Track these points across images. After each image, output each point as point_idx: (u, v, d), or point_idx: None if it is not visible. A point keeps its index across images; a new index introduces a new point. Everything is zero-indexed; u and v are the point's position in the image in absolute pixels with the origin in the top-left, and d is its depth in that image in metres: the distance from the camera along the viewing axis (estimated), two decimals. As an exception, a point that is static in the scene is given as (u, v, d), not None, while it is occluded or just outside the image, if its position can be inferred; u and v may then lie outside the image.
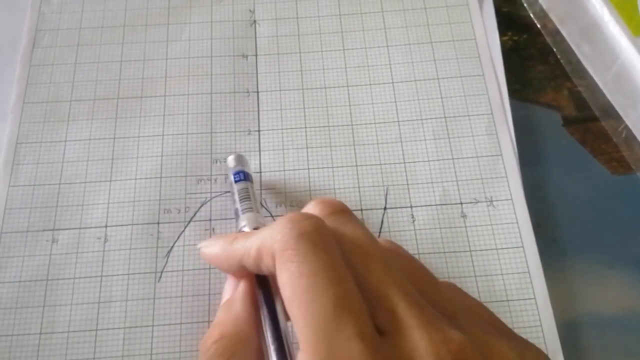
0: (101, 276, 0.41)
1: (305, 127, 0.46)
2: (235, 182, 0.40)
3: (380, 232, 0.42)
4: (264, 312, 0.29)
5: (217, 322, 0.31)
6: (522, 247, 0.41)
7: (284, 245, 0.26)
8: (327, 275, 0.24)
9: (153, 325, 0.39)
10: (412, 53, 0.49)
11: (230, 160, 0.41)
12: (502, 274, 0.41)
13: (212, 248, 0.33)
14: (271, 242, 0.26)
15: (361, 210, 0.43)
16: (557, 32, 0.51)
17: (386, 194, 0.43)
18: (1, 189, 0.43)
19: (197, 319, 0.39)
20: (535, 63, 0.50)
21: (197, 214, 0.43)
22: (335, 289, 0.24)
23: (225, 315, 0.30)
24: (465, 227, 0.42)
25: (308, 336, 0.23)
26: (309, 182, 0.44)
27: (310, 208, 0.30)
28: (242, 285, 0.31)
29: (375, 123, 0.46)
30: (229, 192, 0.43)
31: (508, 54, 0.50)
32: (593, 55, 0.50)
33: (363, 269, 0.26)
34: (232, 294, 0.32)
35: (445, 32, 0.50)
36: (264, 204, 0.43)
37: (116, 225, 0.42)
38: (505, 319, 0.38)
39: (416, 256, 0.41)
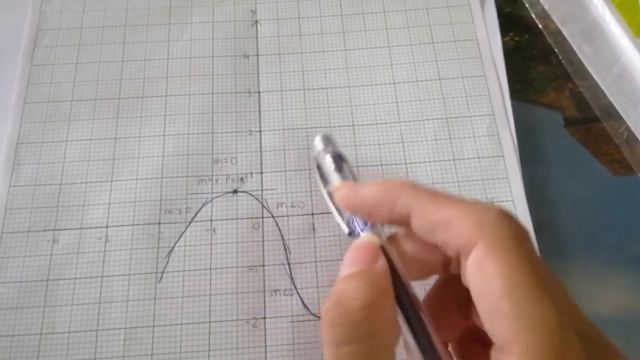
0: (102, 276, 0.41)
1: (307, 128, 0.46)
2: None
3: (381, 233, 0.42)
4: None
5: (358, 288, 0.26)
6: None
7: (507, 232, 0.25)
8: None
9: (154, 326, 0.39)
10: (413, 53, 0.49)
11: (318, 142, 0.38)
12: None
13: (371, 190, 0.29)
14: (491, 227, 0.25)
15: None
16: (558, 33, 0.51)
17: (387, 195, 0.43)
18: (2, 189, 0.43)
19: (197, 319, 0.39)
20: (537, 63, 0.50)
21: (199, 215, 0.43)
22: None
23: (370, 286, 0.26)
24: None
25: (529, 342, 0.22)
26: (310, 182, 0.44)
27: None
28: (383, 264, 0.27)
29: (376, 124, 0.46)
30: (229, 192, 0.43)
31: (510, 54, 0.50)
32: (594, 56, 0.50)
33: None
34: (368, 266, 0.27)
35: (446, 32, 0.50)
36: (264, 204, 0.43)
37: (117, 226, 0.42)
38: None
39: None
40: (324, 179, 0.37)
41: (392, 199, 0.28)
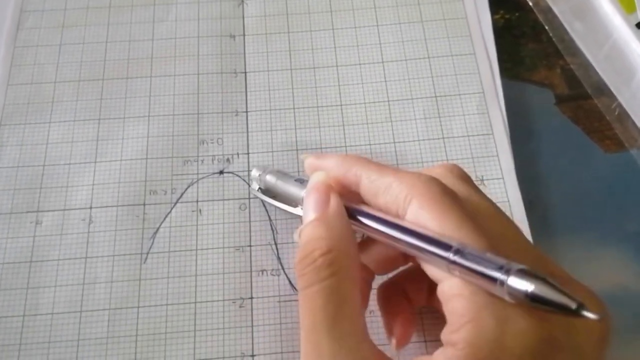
0: (86, 258, 0.40)
1: (294, 108, 0.45)
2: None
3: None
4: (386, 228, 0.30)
5: (318, 236, 0.30)
6: (513, 225, 0.41)
7: (436, 190, 0.29)
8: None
9: (138, 307, 0.39)
10: (402, 32, 0.48)
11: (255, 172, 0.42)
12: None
13: (331, 160, 0.34)
14: (422, 187, 0.29)
15: (350, 190, 0.42)
16: (549, 10, 0.51)
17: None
18: (-15, 171, 0.43)
19: (183, 300, 0.39)
20: (528, 41, 0.50)
21: (184, 195, 0.42)
22: None
23: (328, 230, 0.30)
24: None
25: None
26: (297, 163, 0.43)
27: (434, 171, 0.32)
28: (336, 203, 0.31)
29: (365, 103, 0.46)
30: (215, 173, 0.43)
31: (500, 32, 0.49)
32: (586, 33, 0.49)
33: None
34: (323, 211, 0.31)
35: (436, 10, 0.49)
36: (251, 184, 0.42)
37: (101, 207, 0.42)
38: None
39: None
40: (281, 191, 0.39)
41: (347, 167, 0.32)
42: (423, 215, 0.28)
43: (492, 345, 0.25)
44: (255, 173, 0.41)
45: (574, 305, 0.23)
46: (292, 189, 0.37)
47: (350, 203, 0.32)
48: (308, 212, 0.32)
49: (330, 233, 0.30)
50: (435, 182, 0.30)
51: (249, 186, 0.43)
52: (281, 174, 0.39)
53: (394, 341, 0.34)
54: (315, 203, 0.32)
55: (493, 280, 0.25)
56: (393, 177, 0.30)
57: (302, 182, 0.37)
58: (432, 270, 0.28)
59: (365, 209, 0.31)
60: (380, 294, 0.36)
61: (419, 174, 0.30)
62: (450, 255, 0.26)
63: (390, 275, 0.36)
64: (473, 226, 0.27)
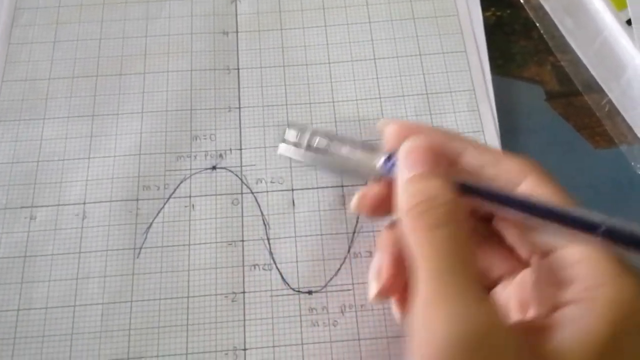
0: (79, 252, 0.41)
1: (287, 104, 0.46)
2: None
3: (361, 207, 0.42)
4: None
5: (438, 184, 0.29)
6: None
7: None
8: None
9: (132, 301, 0.39)
10: (394, 29, 0.49)
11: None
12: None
13: (424, 129, 0.33)
14: (536, 166, 0.31)
15: (342, 186, 0.43)
16: (540, 7, 0.51)
17: (367, 170, 0.43)
18: (-20, 167, 0.43)
19: (176, 294, 0.39)
20: (518, 38, 0.50)
21: (177, 191, 0.42)
22: None
23: (446, 184, 0.29)
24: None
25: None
26: (290, 158, 0.43)
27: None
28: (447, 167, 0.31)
29: (357, 100, 0.46)
30: (208, 168, 0.43)
31: (491, 29, 0.50)
32: (576, 30, 0.49)
33: None
34: (432, 167, 0.30)
35: (427, 8, 0.50)
36: (243, 180, 0.43)
37: (95, 202, 0.42)
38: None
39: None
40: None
41: (446, 139, 0.32)
42: (542, 190, 0.29)
43: (632, 304, 0.26)
44: (292, 134, 0.37)
45: None
46: (361, 154, 0.35)
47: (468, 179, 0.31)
48: (412, 167, 0.30)
49: (447, 186, 0.29)
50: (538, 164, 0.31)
51: (241, 174, 0.43)
52: (333, 136, 0.36)
53: (376, 288, 0.32)
54: (423, 159, 0.30)
55: None
56: (501, 153, 0.32)
57: (371, 147, 0.35)
58: (543, 239, 0.29)
59: (482, 182, 0.30)
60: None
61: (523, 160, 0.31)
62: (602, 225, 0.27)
63: None
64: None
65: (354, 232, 0.41)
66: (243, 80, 0.47)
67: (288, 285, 0.40)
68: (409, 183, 0.30)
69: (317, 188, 0.42)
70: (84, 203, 0.42)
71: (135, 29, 0.49)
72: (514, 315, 0.30)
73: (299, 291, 0.40)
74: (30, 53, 0.48)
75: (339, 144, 0.35)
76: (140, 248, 0.41)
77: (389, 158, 0.33)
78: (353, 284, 0.40)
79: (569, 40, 0.49)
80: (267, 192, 0.42)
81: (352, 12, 0.50)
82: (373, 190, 0.33)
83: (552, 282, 0.28)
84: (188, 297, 0.39)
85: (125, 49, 0.48)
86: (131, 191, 0.42)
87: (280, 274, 0.40)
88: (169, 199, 0.42)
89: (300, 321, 0.39)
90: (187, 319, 0.39)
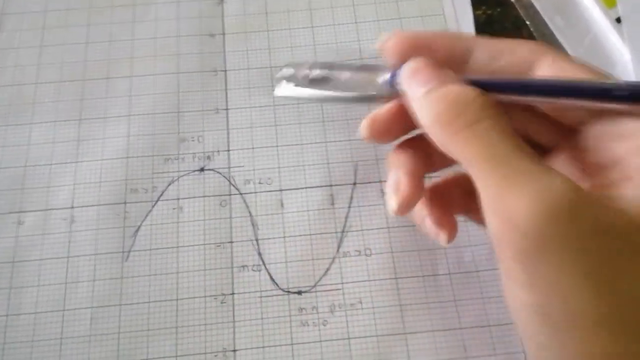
0: (68, 257, 0.40)
1: (274, 105, 0.46)
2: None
3: (349, 207, 0.42)
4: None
5: (457, 88, 0.28)
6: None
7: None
8: None
9: (121, 305, 0.39)
10: (380, 29, 0.49)
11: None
12: (470, 246, 0.40)
13: (428, 34, 0.33)
14: (548, 48, 0.30)
15: (331, 186, 0.43)
16: (530, 6, 0.51)
17: (355, 170, 0.43)
18: (-32, 173, 0.43)
19: (165, 297, 0.39)
20: (509, 36, 0.49)
21: (165, 193, 0.42)
22: None
23: (468, 91, 0.28)
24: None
25: None
26: (278, 159, 0.44)
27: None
28: (455, 77, 0.29)
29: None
30: (196, 170, 0.43)
31: (482, 27, 0.50)
32: (566, 28, 0.50)
33: None
34: (445, 81, 0.29)
35: (414, 7, 0.50)
36: (232, 181, 0.43)
37: (83, 206, 0.42)
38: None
39: (385, 231, 0.41)
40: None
41: (453, 40, 0.31)
42: (562, 67, 0.28)
43: None
44: (289, 70, 0.36)
45: None
46: (364, 75, 0.33)
47: (483, 76, 0.30)
48: (420, 86, 0.29)
49: (475, 94, 0.28)
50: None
51: (229, 175, 0.43)
52: (329, 64, 0.35)
53: (444, 236, 0.33)
54: (429, 76, 0.29)
55: None
56: (511, 42, 0.30)
57: (372, 68, 0.33)
58: (578, 115, 0.29)
59: (501, 75, 0.30)
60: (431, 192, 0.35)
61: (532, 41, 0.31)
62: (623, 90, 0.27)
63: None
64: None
65: (342, 232, 0.41)
66: (230, 82, 0.47)
67: (277, 285, 0.40)
68: (426, 96, 0.29)
69: (306, 188, 0.42)
70: (72, 207, 0.42)
71: (122, 33, 0.49)
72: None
73: (288, 291, 0.40)
74: (16, 58, 0.48)
75: (339, 71, 0.34)
76: (129, 251, 0.41)
77: (394, 75, 0.31)
78: (342, 283, 0.40)
79: (558, 38, 0.49)
80: (256, 192, 0.42)
81: (338, 12, 0.50)
82: (381, 112, 0.32)
83: (608, 139, 0.28)
84: (177, 299, 0.39)
85: (112, 53, 0.48)
86: (119, 194, 0.42)
87: (270, 274, 0.40)
88: (157, 201, 0.42)
89: (290, 321, 0.39)
90: (177, 321, 0.39)
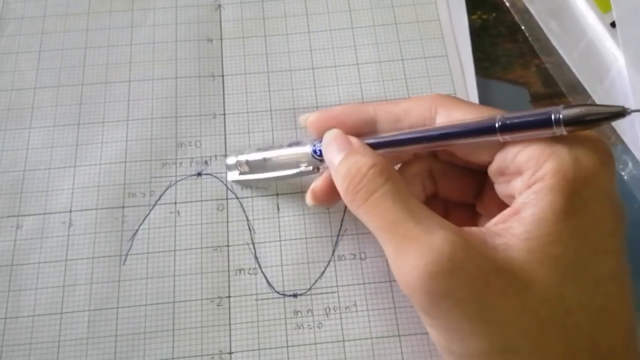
0: (66, 260, 0.41)
1: (271, 110, 0.46)
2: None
3: (345, 211, 0.42)
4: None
5: (356, 160, 0.33)
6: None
7: None
8: None
9: (118, 307, 0.40)
10: (376, 34, 0.49)
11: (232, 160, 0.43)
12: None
13: (337, 108, 0.38)
14: (443, 97, 0.35)
15: (326, 190, 0.43)
16: (525, 11, 0.51)
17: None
18: (-33, 177, 0.44)
19: (162, 300, 0.40)
20: (504, 41, 0.51)
21: (162, 197, 0.43)
22: None
23: (365, 155, 0.33)
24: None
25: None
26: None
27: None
28: (358, 140, 0.34)
29: (340, 104, 0.46)
30: (193, 175, 0.44)
31: (477, 32, 0.50)
32: (561, 33, 0.50)
33: None
34: (350, 147, 0.34)
35: (409, 13, 0.50)
36: (228, 186, 0.43)
37: (81, 210, 0.42)
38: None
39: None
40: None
41: (358, 109, 0.36)
42: (455, 114, 0.32)
43: (573, 167, 0.28)
44: (232, 159, 0.43)
45: (621, 109, 0.27)
46: (293, 151, 0.39)
47: (374, 137, 0.35)
48: (334, 155, 0.34)
49: (367, 155, 0.33)
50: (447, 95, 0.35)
51: (226, 180, 0.44)
52: (265, 148, 0.41)
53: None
54: (339, 146, 0.34)
55: (548, 121, 0.28)
56: (410, 101, 0.35)
57: (298, 143, 0.39)
58: (477, 154, 0.33)
59: (393, 133, 0.34)
60: None
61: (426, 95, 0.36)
62: (499, 123, 0.30)
63: None
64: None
65: (338, 235, 0.41)
66: (228, 87, 0.47)
67: (273, 288, 0.40)
68: (338, 168, 0.33)
69: (302, 192, 0.43)
70: (70, 211, 0.42)
71: (120, 38, 0.49)
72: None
73: (284, 294, 0.40)
74: (15, 63, 0.48)
75: (272, 151, 0.40)
76: (127, 255, 0.41)
77: (314, 146, 0.37)
78: (337, 286, 0.40)
79: (553, 42, 0.50)
80: (252, 197, 0.43)
81: (335, 18, 0.50)
82: (319, 184, 0.38)
83: (501, 175, 0.32)
84: (174, 302, 0.40)
85: (111, 58, 0.48)
86: (117, 198, 0.43)
87: (266, 278, 0.40)
88: (154, 205, 0.43)
89: (286, 324, 0.39)
90: (173, 324, 0.39)
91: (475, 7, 0.52)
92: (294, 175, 0.40)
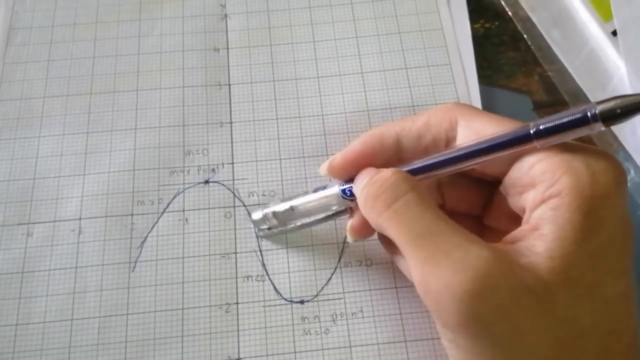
0: (76, 267, 0.41)
1: (277, 118, 0.47)
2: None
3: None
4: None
5: (380, 176, 0.32)
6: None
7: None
8: None
9: (128, 314, 0.40)
10: (380, 43, 0.50)
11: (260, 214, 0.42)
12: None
13: (359, 142, 0.37)
14: (459, 107, 0.35)
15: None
16: (528, 19, 0.52)
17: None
18: (-23, 185, 0.44)
19: (171, 306, 0.40)
20: (507, 49, 0.51)
21: (171, 205, 0.43)
22: None
23: (388, 172, 0.32)
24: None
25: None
26: (281, 172, 0.45)
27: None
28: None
29: (345, 113, 0.47)
30: (201, 183, 0.44)
31: (480, 41, 0.51)
32: (563, 41, 0.51)
33: None
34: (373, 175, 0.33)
35: (413, 22, 0.51)
36: (236, 193, 0.44)
37: (90, 218, 0.43)
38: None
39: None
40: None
41: (379, 135, 0.36)
42: (475, 124, 0.32)
43: (590, 184, 0.28)
44: (259, 214, 0.41)
45: None
46: (321, 195, 0.38)
47: (407, 164, 0.34)
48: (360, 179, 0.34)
49: (388, 172, 0.32)
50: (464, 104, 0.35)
51: (233, 188, 0.44)
52: (289, 197, 0.40)
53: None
54: (366, 172, 0.34)
55: (585, 119, 0.28)
56: (427, 114, 0.34)
57: (324, 187, 0.38)
58: (496, 165, 0.32)
59: (427, 158, 0.33)
60: None
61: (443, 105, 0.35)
62: (534, 129, 0.29)
63: None
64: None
65: (344, 242, 0.42)
66: (234, 96, 0.47)
67: (280, 295, 0.41)
68: (362, 192, 0.33)
69: (308, 200, 0.43)
70: (80, 219, 0.43)
71: (128, 47, 0.50)
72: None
73: (291, 301, 0.40)
74: (25, 72, 0.48)
75: (297, 199, 0.39)
76: (136, 262, 0.41)
77: (342, 186, 0.37)
78: (344, 292, 0.41)
79: (555, 51, 0.50)
80: (259, 205, 0.43)
81: (339, 27, 0.51)
82: (356, 219, 0.37)
83: (517, 189, 0.31)
84: (183, 308, 0.40)
85: (119, 67, 0.49)
86: (126, 206, 0.43)
87: (273, 284, 0.41)
88: (163, 213, 0.43)
89: (293, 330, 0.40)
90: (182, 330, 0.40)
91: (478, 16, 0.52)
92: (325, 219, 0.40)
